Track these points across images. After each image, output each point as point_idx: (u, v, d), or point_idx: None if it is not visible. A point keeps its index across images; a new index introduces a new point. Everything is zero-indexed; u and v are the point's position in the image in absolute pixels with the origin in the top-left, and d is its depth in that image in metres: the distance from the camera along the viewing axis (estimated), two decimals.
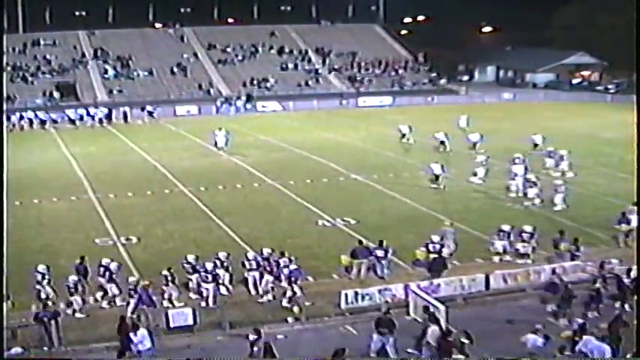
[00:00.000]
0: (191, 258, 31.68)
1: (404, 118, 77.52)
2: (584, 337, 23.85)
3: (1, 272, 27.80)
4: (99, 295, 30.67)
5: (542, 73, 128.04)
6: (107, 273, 30.75)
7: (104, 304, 30.35)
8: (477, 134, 64.00)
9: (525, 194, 45.76)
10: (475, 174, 51.20)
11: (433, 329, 25.47)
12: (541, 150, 58.91)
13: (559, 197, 44.63)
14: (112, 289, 30.45)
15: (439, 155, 59.04)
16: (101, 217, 44.14)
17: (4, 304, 27.46)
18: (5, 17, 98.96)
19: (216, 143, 64.89)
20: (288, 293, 30.21)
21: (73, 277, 30.15)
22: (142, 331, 25.54)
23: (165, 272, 30.51)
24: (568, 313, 28.14)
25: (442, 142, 63.47)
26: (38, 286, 29.95)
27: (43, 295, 29.65)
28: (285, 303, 30.16)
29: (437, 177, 50.59)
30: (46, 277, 30.23)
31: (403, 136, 67.93)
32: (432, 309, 27.37)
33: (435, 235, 34.43)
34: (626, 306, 28.49)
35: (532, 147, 60.89)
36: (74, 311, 29.30)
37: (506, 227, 35.77)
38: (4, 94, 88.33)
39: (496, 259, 34.97)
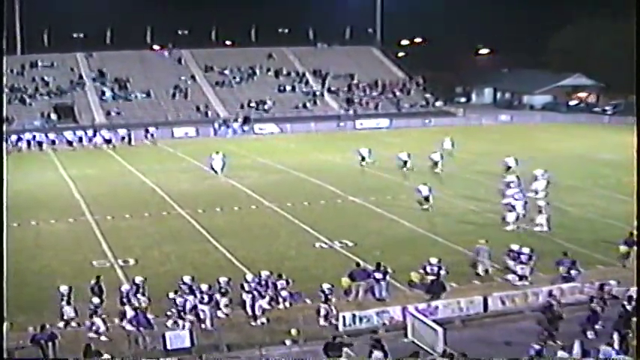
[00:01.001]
0: (187, 279, 31.59)
1: (400, 140, 77.84)
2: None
3: (1, 281, 27.64)
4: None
5: (539, 95, 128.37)
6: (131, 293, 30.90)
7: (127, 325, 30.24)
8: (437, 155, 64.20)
9: (524, 215, 45.78)
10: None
11: (376, 354, 25.54)
12: (514, 173, 59.23)
13: (542, 218, 44.67)
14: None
15: (434, 176, 59.11)
16: (98, 239, 44.06)
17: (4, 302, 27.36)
18: (4, 39, 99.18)
19: (213, 167, 64.80)
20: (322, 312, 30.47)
21: (95, 299, 30.15)
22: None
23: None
24: (555, 334, 28.18)
25: (435, 163, 63.67)
26: (60, 306, 30.14)
27: (65, 316, 29.81)
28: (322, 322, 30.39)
29: (426, 198, 50.61)
30: (67, 297, 30.31)
31: (363, 159, 67.97)
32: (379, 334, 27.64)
33: (433, 258, 34.39)
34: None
35: (505, 170, 60.89)
36: (98, 334, 29.25)
37: (515, 247, 35.86)
38: (4, 116, 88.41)
39: (510, 277, 34.91)
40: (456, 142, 75.04)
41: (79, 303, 30.52)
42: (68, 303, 30.15)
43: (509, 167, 61.10)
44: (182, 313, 30.08)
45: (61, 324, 29.57)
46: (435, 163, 63.70)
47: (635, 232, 37.87)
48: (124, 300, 30.50)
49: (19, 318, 29.68)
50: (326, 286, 31.05)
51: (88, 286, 31.68)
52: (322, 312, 30.45)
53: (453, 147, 73.42)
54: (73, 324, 29.71)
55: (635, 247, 37.07)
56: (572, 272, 34.08)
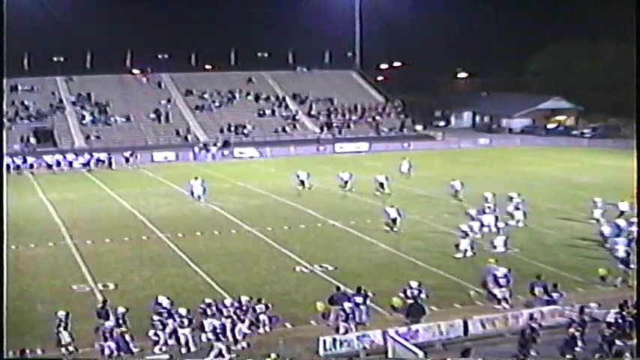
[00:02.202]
0: (166, 302, 31.46)
1: (380, 164, 77.92)
2: None
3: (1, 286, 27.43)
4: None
5: (518, 119, 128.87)
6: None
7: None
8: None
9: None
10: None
11: None
12: (459, 197, 60.29)
13: (500, 239, 44.89)
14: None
15: (412, 199, 59.25)
16: (78, 263, 43.89)
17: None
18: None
19: (192, 193, 64.59)
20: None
21: (109, 323, 30.08)
22: None
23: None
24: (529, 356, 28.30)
25: (381, 184, 63.72)
26: (57, 331, 29.97)
27: (62, 341, 29.71)
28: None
29: (394, 220, 50.91)
30: (64, 323, 30.12)
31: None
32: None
33: (414, 281, 34.39)
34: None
35: (453, 194, 61.78)
36: (111, 357, 29.16)
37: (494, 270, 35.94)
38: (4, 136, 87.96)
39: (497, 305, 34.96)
40: (413, 165, 75.63)
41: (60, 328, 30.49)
42: (65, 328, 30.00)
43: (456, 190, 61.77)
44: (162, 336, 30.03)
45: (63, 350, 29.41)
46: (381, 185, 63.98)
47: None
48: (106, 335, 30.38)
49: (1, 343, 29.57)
50: None
51: (71, 310, 31.52)
52: None
53: (410, 170, 73.81)
54: (70, 348, 29.52)
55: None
56: (555, 295, 34.12)
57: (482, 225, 47.53)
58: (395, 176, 68.65)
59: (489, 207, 52.59)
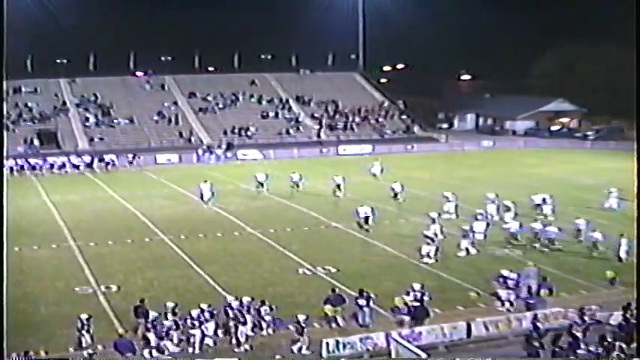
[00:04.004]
0: (170, 305, 31.52)
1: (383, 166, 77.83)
2: None
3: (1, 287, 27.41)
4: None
5: (521, 121, 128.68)
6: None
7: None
8: (398, 184, 64.01)
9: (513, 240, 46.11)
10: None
11: None
12: (399, 199, 61.25)
13: (465, 242, 45.02)
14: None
15: (412, 200, 59.24)
16: (81, 265, 43.95)
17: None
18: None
19: (202, 196, 64.18)
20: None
21: (167, 322, 30.49)
22: None
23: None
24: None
25: (396, 195, 63.42)
26: (78, 334, 30.12)
27: (84, 344, 29.86)
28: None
29: (366, 220, 51.73)
30: (86, 325, 30.22)
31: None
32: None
33: (416, 283, 34.39)
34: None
35: (392, 196, 62.46)
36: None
37: (505, 272, 35.93)
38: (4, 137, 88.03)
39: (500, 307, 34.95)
40: (384, 167, 75.91)
41: (71, 329, 30.50)
42: (87, 331, 30.06)
43: (395, 193, 62.53)
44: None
45: (85, 353, 29.37)
46: (395, 195, 63.62)
47: None
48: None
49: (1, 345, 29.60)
50: (302, 317, 30.98)
51: (74, 312, 31.63)
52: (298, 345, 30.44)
53: (382, 173, 73.91)
54: (90, 351, 29.55)
55: None
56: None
57: (473, 231, 47.49)
58: (404, 179, 68.43)
59: (489, 210, 53.23)
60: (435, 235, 45.15)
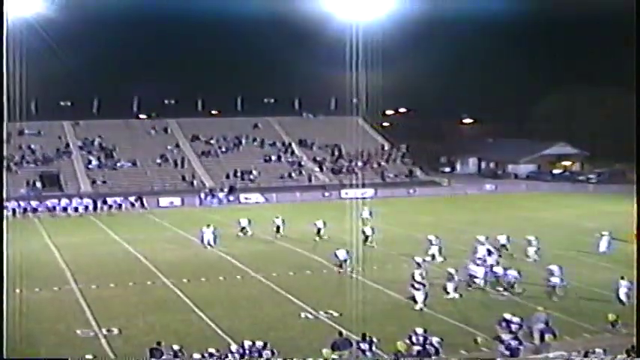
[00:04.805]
0: (175, 348, 31.45)
1: (386, 210, 77.75)
2: None
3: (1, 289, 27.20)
4: None
5: (523, 164, 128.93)
6: None
7: None
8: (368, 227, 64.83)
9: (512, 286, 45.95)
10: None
11: None
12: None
13: (451, 286, 44.96)
14: None
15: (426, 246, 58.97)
16: (83, 307, 43.85)
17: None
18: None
19: (202, 240, 64.29)
20: None
21: None
22: None
23: None
24: None
25: (366, 237, 63.32)
26: None
27: None
28: None
29: (344, 262, 52.64)
30: None
31: (319, 231, 67.31)
32: None
33: (419, 328, 34.24)
34: None
35: (316, 232, 65.43)
36: None
37: (508, 316, 35.74)
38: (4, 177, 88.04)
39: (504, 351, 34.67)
40: (373, 212, 75.32)
41: None
42: None
43: (319, 229, 65.50)
44: None
45: None
46: (366, 238, 63.38)
47: None
48: None
49: None
50: None
51: (75, 354, 31.59)
52: None
53: (371, 217, 73.68)
54: None
55: None
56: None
57: (473, 276, 47.44)
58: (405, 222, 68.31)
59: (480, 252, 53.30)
60: (423, 279, 45.08)
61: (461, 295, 45.02)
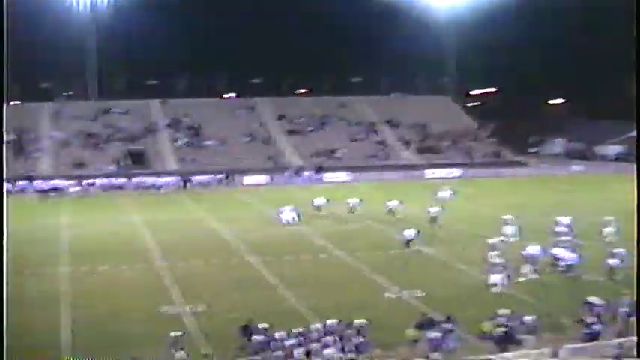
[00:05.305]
0: (262, 327, 31.54)
1: (473, 191, 77.09)
2: None
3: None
4: None
5: (612, 145, 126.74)
6: None
7: None
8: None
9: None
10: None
11: None
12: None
13: (498, 277, 43.45)
14: None
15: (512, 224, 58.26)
16: (168, 285, 44.20)
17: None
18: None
19: (284, 218, 64.48)
20: None
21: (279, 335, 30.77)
22: None
23: None
24: None
25: (434, 218, 62.80)
26: (173, 351, 30.04)
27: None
28: None
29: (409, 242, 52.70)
30: (179, 343, 30.42)
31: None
32: None
33: (503, 309, 33.80)
34: None
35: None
36: None
37: (592, 298, 35.21)
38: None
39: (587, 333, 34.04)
40: (456, 192, 75.02)
41: (160, 347, 30.59)
42: (182, 348, 30.10)
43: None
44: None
45: None
46: (434, 219, 62.87)
47: None
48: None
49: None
50: None
51: (162, 331, 31.89)
52: None
53: (452, 197, 73.26)
54: None
55: None
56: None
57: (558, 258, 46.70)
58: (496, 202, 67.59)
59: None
60: (503, 260, 44.77)
61: (540, 277, 44.34)
